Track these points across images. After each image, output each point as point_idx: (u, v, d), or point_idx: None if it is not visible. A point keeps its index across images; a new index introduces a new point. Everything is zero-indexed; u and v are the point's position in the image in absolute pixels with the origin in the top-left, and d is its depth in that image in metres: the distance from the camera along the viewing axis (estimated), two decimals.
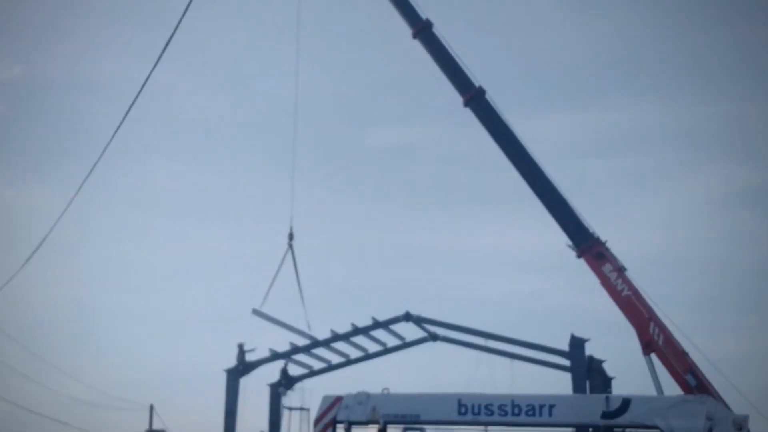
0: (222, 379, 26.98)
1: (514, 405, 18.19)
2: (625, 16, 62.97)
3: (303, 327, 26.76)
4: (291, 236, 26.39)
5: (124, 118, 26.49)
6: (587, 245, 21.51)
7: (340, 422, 18.55)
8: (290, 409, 28.04)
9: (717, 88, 60.69)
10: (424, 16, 24.11)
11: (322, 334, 27.24)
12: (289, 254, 26.67)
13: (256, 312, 26.30)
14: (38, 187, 65.46)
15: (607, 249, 21.39)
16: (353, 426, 18.63)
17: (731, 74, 60.00)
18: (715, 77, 61.25)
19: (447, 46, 23.88)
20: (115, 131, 26.57)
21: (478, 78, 23.62)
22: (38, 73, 70.59)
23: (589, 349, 23.37)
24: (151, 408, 42.71)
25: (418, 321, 26.31)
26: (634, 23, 61.90)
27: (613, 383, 22.85)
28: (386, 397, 18.93)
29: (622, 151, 62.50)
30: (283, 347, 27.55)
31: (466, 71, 23.62)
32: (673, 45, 61.16)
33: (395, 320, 26.43)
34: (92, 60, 69.74)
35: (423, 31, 23.97)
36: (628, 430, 18.78)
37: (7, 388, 32.90)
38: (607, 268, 21.06)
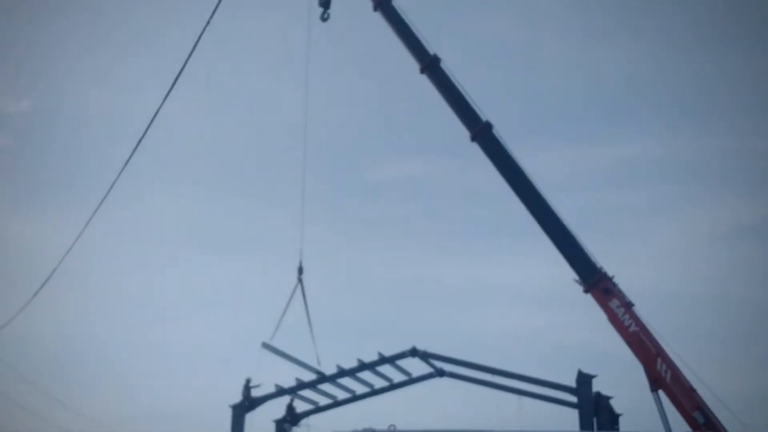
0: (228, 415, 26.91)
1: None
2: (626, 54, 63.47)
3: (312, 361, 26.69)
4: (300, 270, 26.29)
5: (132, 153, 26.71)
6: (594, 280, 21.42)
7: None
8: None
9: (719, 122, 60.93)
10: (431, 51, 24.27)
11: (328, 370, 27.18)
12: (299, 288, 26.63)
13: (266, 346, 26.19)
14: (46, 219, 65.88)
15: (614, 284, 21.31)
16: None
17: (733, 108, 60.30)
18: (716, 111, 61.48)
19: (454, 81, 23.97)
20: (124, 165, 26.80)
21: (485, 112, 23.68)
22: (46, 107, 71.45)
23: (597, 386, 23.21)
24: None
25: (425, 356, 26.25)
26: (636, 60, 62.35)
27: (621, 420, 22.54)
28: None
29: (630, 184, 62.67)
30: (288, 383, 27.49)
31: (474, 106, 23.67)
32: (675, 81, 61.54)
33: (401, 355, 26.37)
34: (99, 93, 70.54)
35: (431, 66, 24.11)
36: None
37: (14, 424, 32.84)
38: (614, 303, 20.96)
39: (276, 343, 26.30)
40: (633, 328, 20.67)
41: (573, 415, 23.34)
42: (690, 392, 19.66)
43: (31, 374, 33.96)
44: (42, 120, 71.02)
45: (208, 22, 26.39)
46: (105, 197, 26.97)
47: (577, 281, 21.80)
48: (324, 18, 26.76)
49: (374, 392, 28.16)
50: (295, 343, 26.86)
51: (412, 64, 24.50)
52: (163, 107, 26.30)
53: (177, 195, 69.66)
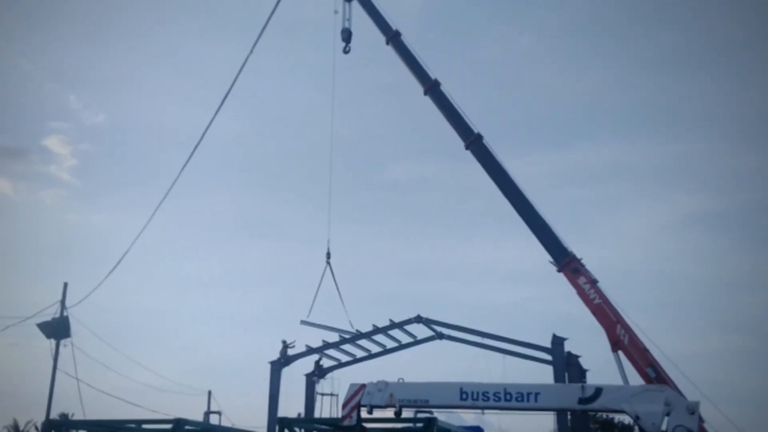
0: (267, 370, 27.03)
1: (506, 392, 18.11)
2: (598, 74, 63.38)
3: (342, 327, 26.77)
4: (328, 255, 26.24)
5: (190, 157, 26.84)
6: (566, 262, 21.11)
7: (364, 406, 18.49)
8: (322, 394, 28.03)
9: (671, 131, 60.88)
10: (433, 76, 24.08)
11: (348, 333, 27.27)
12: (328, 269, 26.58)
13: (304, 322, 26.33)
14: (119, 212, 66.16)
15: (582, 265, 21.01)
16: (374, 409, 18.61)
17: (684, 120, 60.22)
18: (670, 123, 61.47)
19: (452, 101, 23.73)
20: (183, 167, 26.94)
21: (477, 125, 23.42)
22: (118, 120, 71.81)
23: (568, 347, 23.20)
24: (209, 393, 42.76)
25: (427, 322, 26.31)
26: (607, 79, 62.35)
27: (588, 374, 22.58)
28: (401, 385, 18.87)
29: (596, 182, 62.64)
30: (317, 344, 27.62)
31: (467, 121, 23.42)
32: (637, 96, 61.49)
33: (408, 321, 26.44)
34: (161, 108, 70.87)
35: (432, 89, 23.94)
36: (599, 413, 18.59)
37: (92, 376, 33.07)
38: (581, 280, 20.65)
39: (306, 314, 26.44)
40: (597, 300, 20.37)
41: (548, 370, 23.39)
42: (644, 352, 19.50)
43: (108, 337, 34.25)
44: (115, 130, 71.46)
45: (251, 51, 26.57)
46: (167, 193, 27.12)
47: (551, 262, 21.47)
48: (346, 51, 26.63)
49: (386, 351, 28.27)
50: (324, 312, 26.99)
51: (418, 87, 24.39)
52: (213, 117, 26.57)
53: (228, 192, 70.07)
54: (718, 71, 61.52)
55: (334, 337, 27.36)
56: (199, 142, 26.72)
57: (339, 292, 26.10)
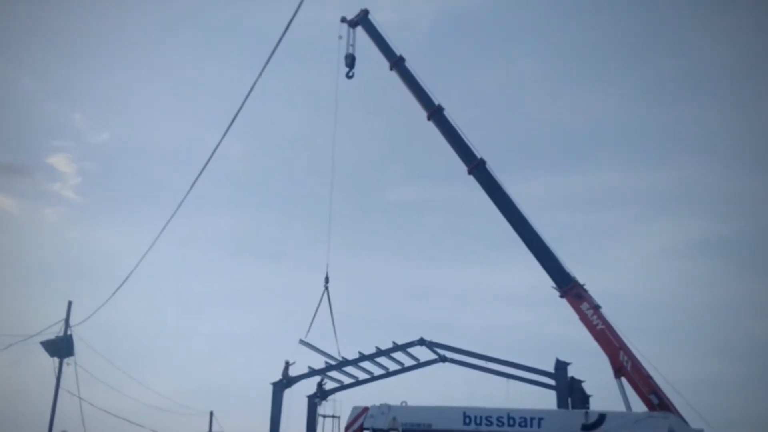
0: (269, 391, 26.92)
1: (509, 417, 18.08)
2: (599, 99, 63.73)
3: (335, 352, 26.65)
4: (327, 280, 25.85)
5: (197, 178, 26.63)
6: (568, 287, 21.08)
7: (366, 429, 18.48)
8: (324, 416, 27.86)
9: (672, 157, 60.97)
10: (436, 101, 24.15)
11: (351, 355, 27.18)
12: (326, 294, 26.48)
13: (303, 342, 26.23)
14: (123, 230, 66.29)
15: (585, 290, 21.01)
16: None
17: (685, 145, 60.37)
18: (671, 148, 61.57)
19: (455, 126, 23.75)
20: (190, 187, 26.74)
21: (480, 149, 23.40)
22: (122, 138, 72.13)
23: (571, 372, 23.01)
24: (211, 414, 42.66)
25: (430, 345, 26.22)
26: (608, 104, 62.66)
27: (591, 400, 22.38)
28: (404, 408, 18.85)
29: (597, 207, 62.65)
30: (319, 365, 27.53)
31: (470, 146, 23.42)
32: (639, 122, 61.70)
33: (411, 344, 26.33)
34: (165, 126, 71.27)
35: (436, 114, 24.01)
36: None
37: (94, 395, 32.95)
38: (584, 306, 20.63)
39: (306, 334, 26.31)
40: (600, 326, 20.35)
41: (551, 395, 23.24)
42: (647, 379, 19.45)
43: (110, 356, 34.18)
44: (119, 149, 71.81)
45: (260, 74, 26.24)
46: (174, 213, 26.75)
47: (554, 288, 21.45)
48: (349, 76, 26.54)
49: (388, 374, 28.11)
50: (324, 334, 26.86)
51: (422, 112, 24.45)
52: (220, 141, 26.44)
53: (231, 212, 70.21)
54: (720, 96, 61.66)
55: (335, 359, 27.27)
56: (205, 166, 26.61)
57: (332, 319, 25.74)
